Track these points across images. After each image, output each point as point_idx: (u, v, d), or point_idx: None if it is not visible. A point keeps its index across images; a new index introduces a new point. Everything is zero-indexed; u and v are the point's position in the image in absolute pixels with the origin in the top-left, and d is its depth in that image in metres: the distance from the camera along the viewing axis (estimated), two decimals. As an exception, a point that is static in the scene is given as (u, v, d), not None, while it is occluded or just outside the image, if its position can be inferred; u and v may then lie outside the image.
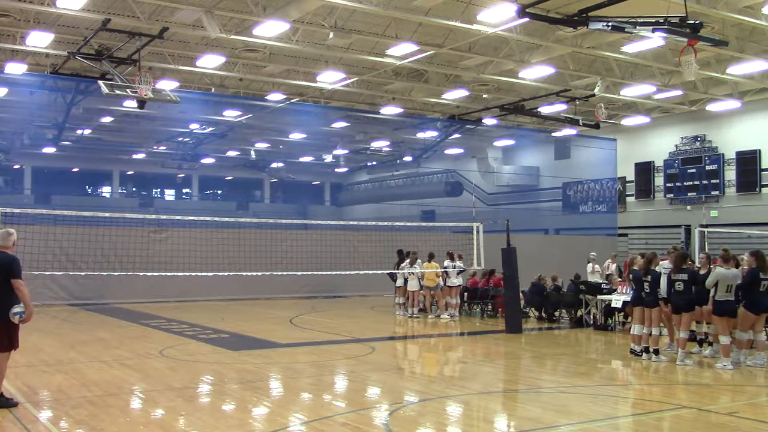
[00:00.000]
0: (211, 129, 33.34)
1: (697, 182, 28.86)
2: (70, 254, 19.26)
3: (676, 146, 29.92)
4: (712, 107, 27.27)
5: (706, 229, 20.92)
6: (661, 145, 30.45)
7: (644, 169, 31.13)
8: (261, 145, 38.59)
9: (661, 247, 21.87)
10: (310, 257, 21.15)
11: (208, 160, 41.55)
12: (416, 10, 17.39)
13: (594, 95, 24.51)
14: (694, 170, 29.04)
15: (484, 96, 27.31)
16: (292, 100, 26.36)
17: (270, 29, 18.08)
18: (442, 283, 18.49)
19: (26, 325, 8.21)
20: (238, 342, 14.07)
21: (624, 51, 20.82)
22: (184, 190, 46.91)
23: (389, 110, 28.42)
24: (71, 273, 18.94)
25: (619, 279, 17.82)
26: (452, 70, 23.67)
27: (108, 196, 45.27)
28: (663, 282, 11.72)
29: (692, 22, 13.96)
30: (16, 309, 7.88)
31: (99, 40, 19.25)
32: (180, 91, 23.22)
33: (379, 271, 19.11)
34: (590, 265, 19.74)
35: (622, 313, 15.90)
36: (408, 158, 40.15)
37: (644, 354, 11.80)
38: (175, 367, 11.05)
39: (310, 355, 12.56)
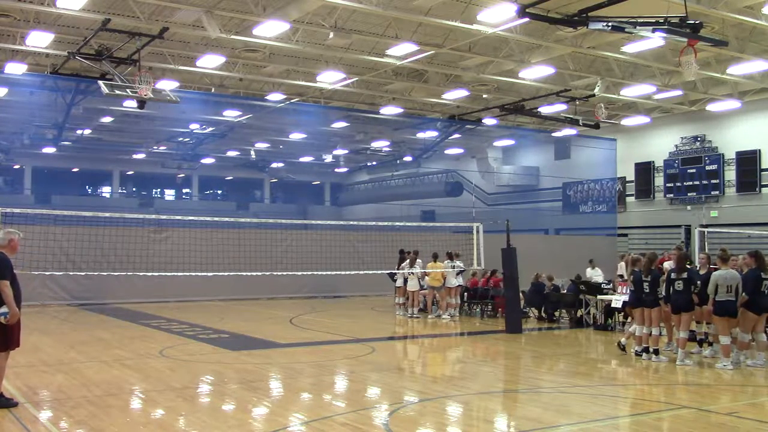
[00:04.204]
0: (211, 129, 33.34)
1: (697, 182, 28.86)
2: (70, 254, 19.24)
3: (676, 146, 29.92)
4: (712, 107, 27.27)
5: (706, 229, 20.91)
6: (661, 145, 30.45)
7: (644, 169, 31.13)
8: (261, 145, 38.60)
9: (661, 247, 21.93)
10: (310, 257, 21.15)
11: (208, 160, 41.56)
12: (416, 10, 17.40)
13: (594, 95, 24.51)
14: (694, 170, 29.04)
15: (484, 96, 27.31)
16: (292, 100, 26.36)
17: (270, 29, 18.08)
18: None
19: (26, 324, 8.22)
20: (238, 342, 14.07)
21: (624, 51, 20.82)
22: (184, 190, 46.91)
23: (389, 110, 28.43)
24: (71, 273, 18.92)
25: (620, 279, 17.83)
26: (452, 70, 23.67)
27: (108, 196, 45.30)
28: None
29: (692, 22, 13.96)
30: (2, 309, 7.89)
31: (99, 40, 19.25)
32: (180, 91, 23.22)
33: (379, 271, 19.10)
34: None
35: (622, 313, 15.89)
36: (408, 158, 40.17)
37: (644, 354, 11.79)
38: (175, 367, 11.05)
39: (310, 355, 12.55)
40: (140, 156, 40.19)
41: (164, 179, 43.75)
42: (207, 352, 12.70)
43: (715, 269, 11.42)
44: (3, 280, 7.94)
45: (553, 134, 32.77)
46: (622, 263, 21.64)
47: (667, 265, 12.81)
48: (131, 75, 19.22)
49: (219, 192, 50.20)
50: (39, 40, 19.12)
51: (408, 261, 18.44)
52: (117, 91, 17.89)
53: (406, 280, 18.73)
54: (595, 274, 19.65)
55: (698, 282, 11.30)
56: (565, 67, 22.86)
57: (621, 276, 19.90)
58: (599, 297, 16.34)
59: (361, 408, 8.54)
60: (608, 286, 16.91)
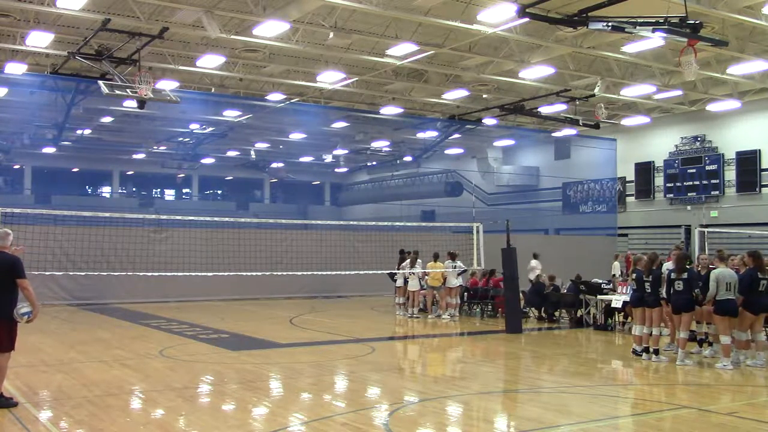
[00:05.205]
0: (211, 129, 33.35)
1: (697, 182, 28.86)
2: (70, 254, 19.24)
3: (676, 146, 29.92)
4: (712, 107, 27.27)
5: (706, 229, 20.93)
6: (661, 145, 30.46)
7: (644, 169, 31.14)
8: (261, 145, 38.61)
9: (662, 247, 21.94)
10: (310, 257, 21.13)
11: (208, 160, 41.56)
12: (416, 10, 17.40)
13: (594, 95, 24.51)
14: (694, 170, 29.04)
15: (484, 96, 27.31)
16: (292, 100, 26.36)
17: (270, 29, 18.08)
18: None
19: (26, 325, 8.22)
20: (238, 342, 14.07)
21: (624, 51, 20.83)
22: (184, 190, 46.91)
23: (389, 110, 28.42)
24: (71, 273, 18.91)
25: (620, 279, 17.85)
26: (452, 70, 23.66)
27: (108, 196, 45.31)
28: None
29: (692, 22, 13.97)
30: (24, 309, 7.90)
31: (99, 40, 19.26)
32: (180, 91, 23.22)
33: (379, 271, 19.10)
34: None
35: (622, 313, 15.91)
36: (408, 158, 40.16)
37: (644, 354, 11.80)
38: (175, 367, 11.05)
39: (310, 355, 12.55)
40: (140, 156, 40.20)
41: (164, 179, 43.73)
42: (207, 352, 12.69)
43: (713, 269, 11.45)
44: (25, 279, 8.00)
45: (553, 134, 32.76)
46: (616, 263, 21.92)
47: (667, 265, 12.79)
48: (131, 75, 19.22)
49: (219, 192, 50.20)
50: (39, 40, 19.12)
51: (408, 261, 18.44)
52: (117, 91, 17.89)
53: (406, 280, 18.73)
54: (536, 267, 19.60)
55: (699, 282, 11.30)
56: (565, 67, 22.86)
57: (614, 275, 20.03)
58: (599, 297, 16.34)
59: (361, 408, 8.54)
60: (608, 286, 16.90)
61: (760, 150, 27.03)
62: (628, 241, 30.91)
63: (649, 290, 11.72)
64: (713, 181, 28.29)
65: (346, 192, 48.78)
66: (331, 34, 18.98)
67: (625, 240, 31.18)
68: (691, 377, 10.59)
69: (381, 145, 38.00)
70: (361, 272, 18.63)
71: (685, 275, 11.30)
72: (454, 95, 26.19)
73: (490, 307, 19.03)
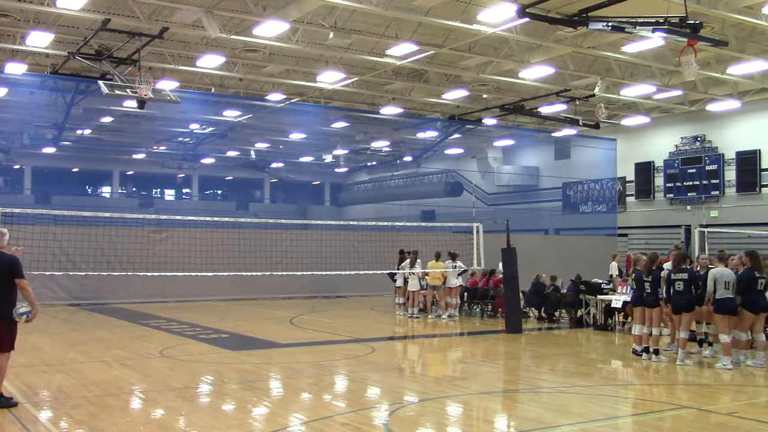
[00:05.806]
0: (211, 129, 33.35)
1: (697, 182, 28.84)
2: (70, 254, 19.23)
3: (676, 146, 29.91)
4: (712, 107, 27.26)
5: (706, 229, 20.93)
6: (661, 145, 30.45)
7: (644, 169, 31.13)
8: (261, 145, 38.62)
9: (662, 247, 21.94)
10: (310, 257, 21.12)
11: (208, 160, 41.58)
12: (416, 10, 17.39)
13: (594, 95, 24.50)
14: (694, 170, 29.03)
15: (484, 96, 27.30)
16: (292, 100, 26.36)
17: (270, 29, 18.08)
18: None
19: (26, 325, 8.22)
20: (238, 342, 14.07)
21: (624, 51, 20.82)
22: (184, 190, 46.94)
23: (389, 110, 28.42)
24: (71, 273, 18.90)
25: (620, 279, 17.84)
26: (452, 70, 23.66)
27: (108, 196, 45.34)
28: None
29: (692, 22, 13.97)
30: (23, 309, 7.90)
31: (99, 40, 19.25)
32: (180, 91, 23.21)
33: (379, 271, 19.10)
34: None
35: (622, 313, 15.91)
36: (408, 158, 40.17)
37: (644, 354, 11.80)
38: (175, 367, 11.05)
39: (310, 355, 12.56)
40: (140, 156, 40.21)
41: (164, 179, 43.76)
42: (207, 352, 12.70)
43: (712, 269, 11.46)
44: (24, 279, 8.01)
45: (553, 134, 32.75)
46: (614, 263, 21.92)
47: (667, 266, 12.80)
48: (131, 75, 19.22)
49: (219, 192, 50.22)
50: (39, 40, 19.11)
51: (408, 261, 18.44)
52: (117, 91, 17.88)
53: (406, 280, 18.73)
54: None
55: (699, 283, 11.31)
56: (565, 67, 22.85)
57: (612, 275, 20.04)
58: (599, 297, 16.34)
59: (361, 408, 8.54)
60: (608, 286, 16.91)
61: (760, 150, 27.01)
62: (628, 241, 30.91)
63: (649, 290, 11.72)
64: (713, 181, 28.27)
65: (346, 192, 48.79)
66: (331, 34, 18.97)
67: (625, 240, 31.17)
68: (691, 377, 10.59)
69: (381, 145, 38.00)
70: (361, 272, 18.62)
71: (685, 275, 11.31)
72: (454, 95, 26.18)
73: (490, 307, 19.04)
